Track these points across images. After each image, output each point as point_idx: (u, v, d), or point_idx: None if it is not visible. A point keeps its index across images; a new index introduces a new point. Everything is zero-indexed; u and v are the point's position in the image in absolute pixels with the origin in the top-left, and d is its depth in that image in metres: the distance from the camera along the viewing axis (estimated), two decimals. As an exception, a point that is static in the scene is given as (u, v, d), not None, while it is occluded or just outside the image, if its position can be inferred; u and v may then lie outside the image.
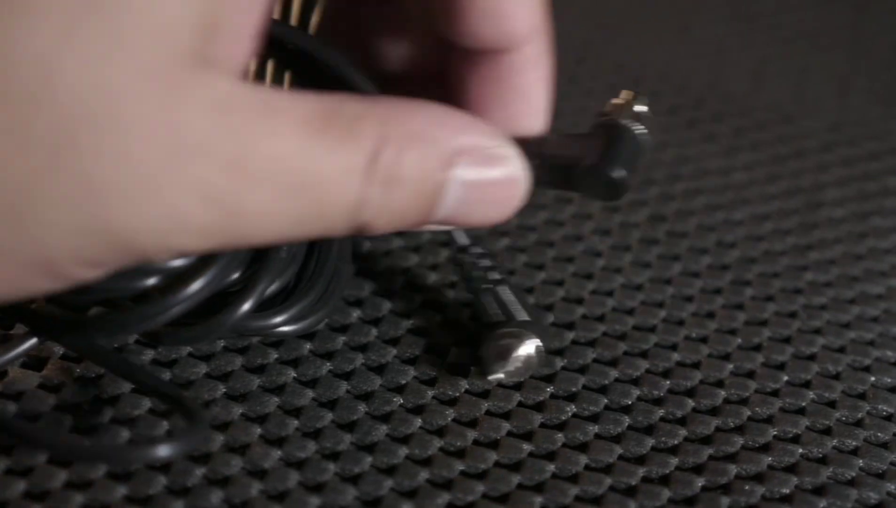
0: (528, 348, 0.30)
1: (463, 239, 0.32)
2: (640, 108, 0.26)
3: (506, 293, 0.31)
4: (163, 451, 0.25)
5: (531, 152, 0.25)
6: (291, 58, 0.29)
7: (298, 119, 0.22)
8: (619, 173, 0.25)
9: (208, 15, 0.21)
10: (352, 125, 0.22)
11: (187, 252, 0.23)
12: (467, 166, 0.24)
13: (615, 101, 0.26)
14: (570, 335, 0.33)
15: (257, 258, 0.29)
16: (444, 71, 0.27)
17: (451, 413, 0.30)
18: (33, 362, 0.30)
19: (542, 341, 0.30)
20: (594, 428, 0.30)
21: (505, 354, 0.30)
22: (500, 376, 0.30)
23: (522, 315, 0.30)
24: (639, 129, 0.26)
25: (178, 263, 0.27)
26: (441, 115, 0.24)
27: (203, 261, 0.28)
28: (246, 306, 0.29)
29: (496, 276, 0.31)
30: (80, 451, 0.26)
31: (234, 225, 0.22)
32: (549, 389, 0.31)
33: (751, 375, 0.33)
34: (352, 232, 0.23)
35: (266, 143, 0.21)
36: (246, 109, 0.21)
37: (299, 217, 0.22)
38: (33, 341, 0.28)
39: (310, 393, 0.30)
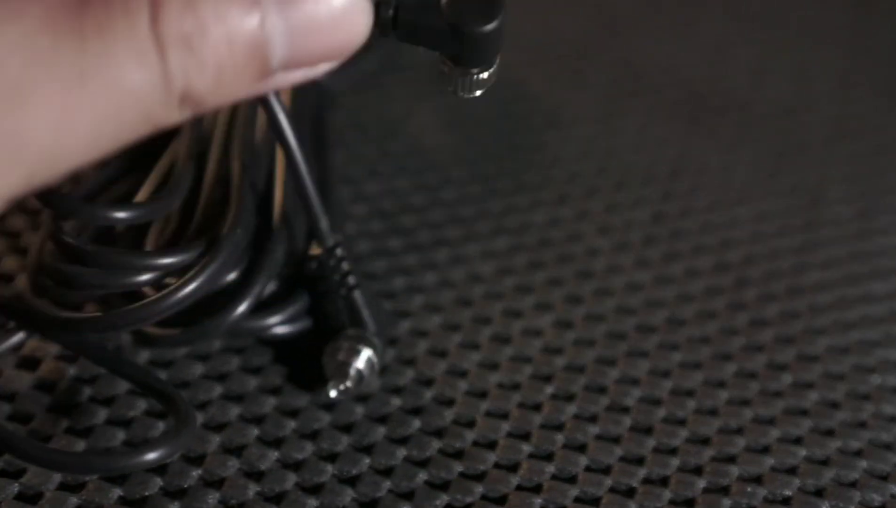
0: (362, 358, 0.29)
1: (329, 239, 0.30)
2: None
3: (357, 301, 0.29)
4: (150, 456, 0.25)
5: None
6: None
7: (47, 11, 0.19)
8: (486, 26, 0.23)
9: None
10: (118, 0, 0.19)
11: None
12: None
13: None
14: (571, 335, 0.33)
15: (255, 259, 0.29)
16: None
17: (449, 415, 0.30)
18: (27, 362, 0.30)
19: (376, 349, 0.29)
20: (594, 429, 0.30)
21: (343, 368, 0.29)
22: (341, 388, 0.29)
23: (368, 322, 0.29)
24: None
25: (173, 260, 0.27)
26: None
27: (199, 260, 0.27)
28: (242, 308, 0.28)
29: (351, 282, 0.29)
30: (65, 462, 0.26)
31: (25, 152, 0.19)
32: (549, 389, 0.31)
33: (753, 376, 0.32)
34: (185, 109, 0.21)
35: (20, 52, 0.19)
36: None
37: (103, 116, 0.20)
38: (20, 335, 0.28)
39: (308, 396, 0.30)
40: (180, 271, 0.27)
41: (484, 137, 0.41)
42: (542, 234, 0.37)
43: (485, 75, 0.26)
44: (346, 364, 0.29)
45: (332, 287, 0.29)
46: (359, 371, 0.29)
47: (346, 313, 0.29)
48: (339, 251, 0.29)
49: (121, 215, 0.28)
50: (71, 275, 0.27)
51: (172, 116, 0.21)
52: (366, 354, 0.29)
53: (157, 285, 0.27)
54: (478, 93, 0.26)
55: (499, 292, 0.34)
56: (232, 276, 0.29)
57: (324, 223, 0.29)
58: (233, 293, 0.29)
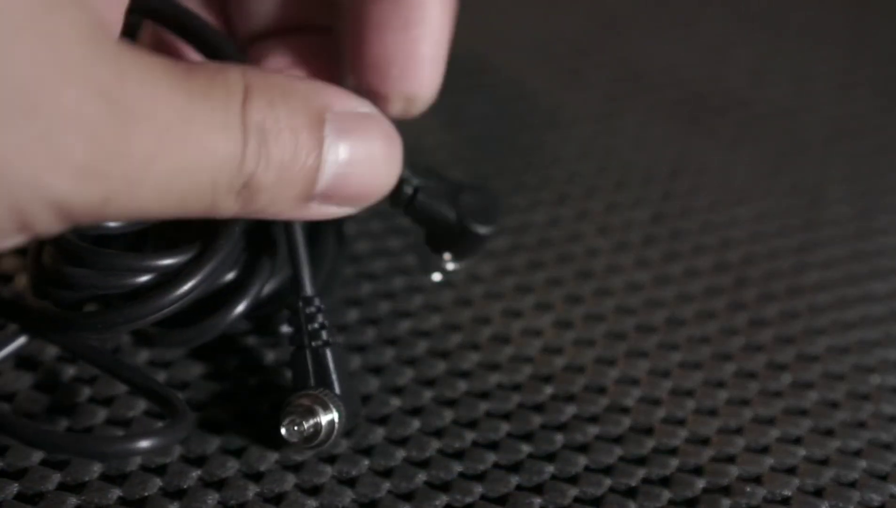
0: (325, 418, 0.27)
1: (308, 288, 0.28)
2: None
3: (327, 358, 0.28)
4: (143, 444, 0.25)
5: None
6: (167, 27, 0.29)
7: (168, 69, 0.21)
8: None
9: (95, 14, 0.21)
10: (216, 74, 0.22)
11: (72, 207, 0.21)
12: (339, 123, 0.24)
13: None
14: (571, 335, 0.33)
15: (252, 259, 0.29)
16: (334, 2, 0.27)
17: (449, 415, 0.30)
18: (27, 362, 0.30)
19: (341, 415, 0.27)
20: (594, 429, 0.30)
21: (300, 421, 0.27)
22: (294, 440, 0.27)
23: (333, 386, 0.28)
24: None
25: (170, 261, 0.27)
26: (300, 76, 0.25)
27: (195, 260, 0.27)
28: (240, 308, 0.28)
29: (324, 337, 0.28)
30: (56, 442, 0.26)
31: (117, 170, 0.21)
32: (549, 390, 0.31)
33: (753, 376, 0.32)
34: (241, 191, 0.23)
35: (142, 83, 0.21)
36: (123, 56, 0.21)
37: (184, 163, 0.22)
38: (22, 339, 0.28)
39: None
40: (178, 272, 0.27)
41: (483, 137, 0.41)
42: (541, 234, 0.37)
43: (451, 267, 0.31)
44: (311, 412, 0.27)
45: (304, 340, 0.28)
46: (317, 425, 0.27)
47: (314, 371, 0.28)
48: (317, 302, 0.28)
49: (112, 223, 0.28)
50: (70, 276, 0.27)
51: (228, 201, 0.23)
52: (331, 416, 0.27)
53: (154, 285, 0.27)
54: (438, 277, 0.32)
55: (499, 292, 0.34)
56: (230, 276, 0.29)
57: (306, 271, 0.28)
58: (231, 294, 0.28)
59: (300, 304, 0.28)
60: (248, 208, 0.23)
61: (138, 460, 0.27)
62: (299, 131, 0.23)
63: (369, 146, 0.25)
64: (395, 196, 0.28)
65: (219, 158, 0.22)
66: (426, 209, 0.29)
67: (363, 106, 0.25)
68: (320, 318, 0.28)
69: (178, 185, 0.22)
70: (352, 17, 0.26)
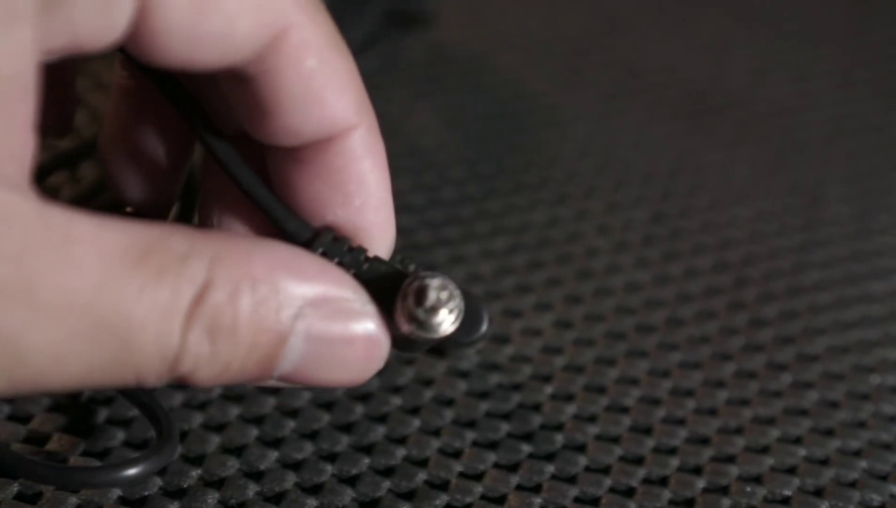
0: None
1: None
2: None
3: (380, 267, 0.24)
4: (130, 472, 0.25)
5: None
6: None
7: (106, 250, 0.19)
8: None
9: None
10: (175, 263, 0.20)
11: None
12: (317, 319, 0.21)
13: None
14: (571, 335, 0.33)
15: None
16: (271, 183, 0.24)
17: (449, 414, 0.30)
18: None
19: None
20: (594, 429, 0.30)
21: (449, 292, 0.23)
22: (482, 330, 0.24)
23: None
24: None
25: None
26: (287, 257, 0.21)
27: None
28: None
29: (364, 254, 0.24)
30: (44, 475, 0.26)
31: (13, 365, 0.19)
32: (549, 390, 0.31)
33: (753, 375, 0.32)
34: (172, 381, 0.21)
35: (57, 273, 0.19)
36: (35, 232, 0.18)
37: (100, 363, 0.19)
38: None
39: (307, 394, 0.30)
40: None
41: (483, 137, 0.41)
42: (541, 234, 0.37)
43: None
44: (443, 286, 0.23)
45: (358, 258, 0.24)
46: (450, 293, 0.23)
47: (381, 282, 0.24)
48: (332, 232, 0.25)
49: None
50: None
51: (158, 382, 0.21)
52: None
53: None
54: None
55: (498, 292, 0.34)
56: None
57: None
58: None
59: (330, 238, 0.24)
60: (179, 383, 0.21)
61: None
62: (263, 331, 0.21)
63: (342, 348, 0.22)
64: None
65: (145, 358, 0.20)
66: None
67: (351, 294, 0.22)
68: (347, 243, 0.24)
69: (88, 380, 0.20)
70: (288, 195, 0.24)
